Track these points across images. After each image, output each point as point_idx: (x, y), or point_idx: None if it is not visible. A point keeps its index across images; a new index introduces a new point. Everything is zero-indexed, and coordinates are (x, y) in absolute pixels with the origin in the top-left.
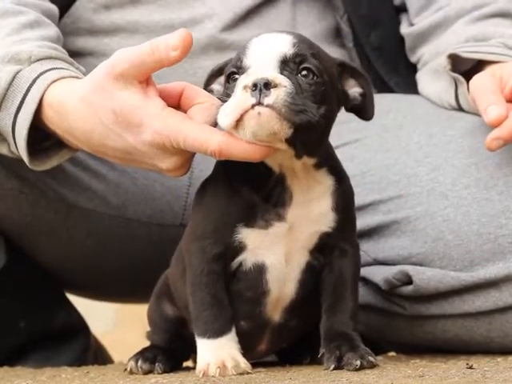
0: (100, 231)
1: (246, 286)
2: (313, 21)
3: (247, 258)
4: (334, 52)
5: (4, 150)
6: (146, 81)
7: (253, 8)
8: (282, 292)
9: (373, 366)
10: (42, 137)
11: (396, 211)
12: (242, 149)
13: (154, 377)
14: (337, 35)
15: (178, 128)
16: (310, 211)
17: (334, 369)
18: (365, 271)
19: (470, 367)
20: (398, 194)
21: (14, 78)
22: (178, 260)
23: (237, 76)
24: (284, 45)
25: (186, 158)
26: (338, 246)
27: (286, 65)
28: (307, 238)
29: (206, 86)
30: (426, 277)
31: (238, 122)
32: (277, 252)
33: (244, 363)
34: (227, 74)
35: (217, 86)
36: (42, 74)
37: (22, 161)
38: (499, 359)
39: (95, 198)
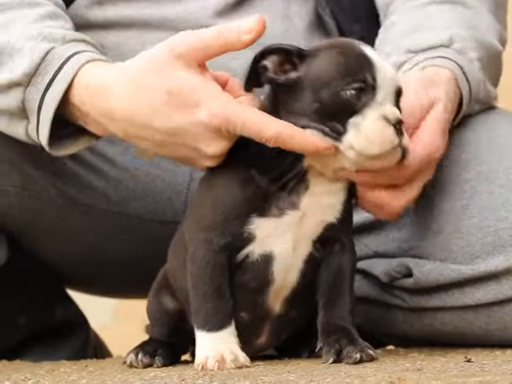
0: (101, 228)
1: (251, 276)
2: (308, 11)
3: (254, 250)
4: None
5: (20, 130)
6: (203, 65)
7: None
8: (285, 281)
9: (372, 359)
10: (61, 124)
11: None
12: (301, 140)
13: (152, 370)
14: (322, 26)
15: (238, 111)
16: (322, 202)
17: (333, 362)
18: (365, 264)
19: (469, 360)
20: None
21: (47, 53)
22: (177, 252)
23: (361, 91)
24: (398, 78)
25: (230, 145)
26: (340, 240)
27: (396, 100)
28: (314, 227)
29: (259, 60)
30: (426, 269)
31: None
32: (286, 240)
33: (243, 357)
34: (355, 87)
35: (268, 62)
36: (76, 53)
37: (24, 156)
38: (497, 352)
39: (96, 195)
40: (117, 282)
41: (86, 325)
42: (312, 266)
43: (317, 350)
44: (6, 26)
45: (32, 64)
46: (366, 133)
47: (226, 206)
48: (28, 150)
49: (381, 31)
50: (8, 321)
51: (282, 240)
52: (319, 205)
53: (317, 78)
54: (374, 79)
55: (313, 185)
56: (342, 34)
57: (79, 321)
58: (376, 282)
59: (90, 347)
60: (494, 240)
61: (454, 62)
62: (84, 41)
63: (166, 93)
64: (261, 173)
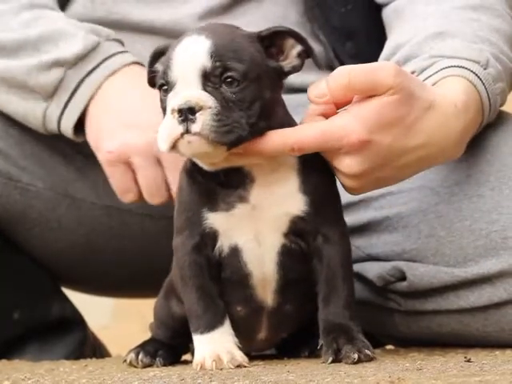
0: (92, 221)
1: (230, 271)
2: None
3: (223, 244)
4: None
5: (37, 111)
6: None
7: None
8: (263, 274)
9: (370, 359)
10: None
11: (388, 207)
12: None
13: (152, 370)
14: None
15: None
16: (275, 192)
17: (332, 362)
18: (358, 267)
19: (468, 360)
20: (389, 191)
21: (97, 44)
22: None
23: (166, 87)
24: (203, 55)
25: None
26: (320, 232)
27: (207, 79)
28: (275, 220)
29: (151, 66)
30: (420, 273)
31: (173, 148)
32: (246, 233)
33: (240, 356)
34: (159, 85)
35: (160, 65)
36: (118, 52)
37: (10, 145)
38: (497, 352)
39: (84, 187)
40: (111, 280)
41: (83, 324)
42: (291, 257)
43: (318, 348)
44: (42, 18)
45: (84, 48)
46: (158, 132)
47: (184, 208)
48: (13, 139)
49: (394, 37)
50: (2, 315)
51: (242, 233)
52: (273, 196)
53: None
54: (167, 73)
55: (258, 176)
56: (334, 51)
57: (76, 319)
58: (370, 286)
59: (88, 347)
60: (486, 243)
61: (482, 83)
62: (120, 41)
63: None
64: (201, 173)
